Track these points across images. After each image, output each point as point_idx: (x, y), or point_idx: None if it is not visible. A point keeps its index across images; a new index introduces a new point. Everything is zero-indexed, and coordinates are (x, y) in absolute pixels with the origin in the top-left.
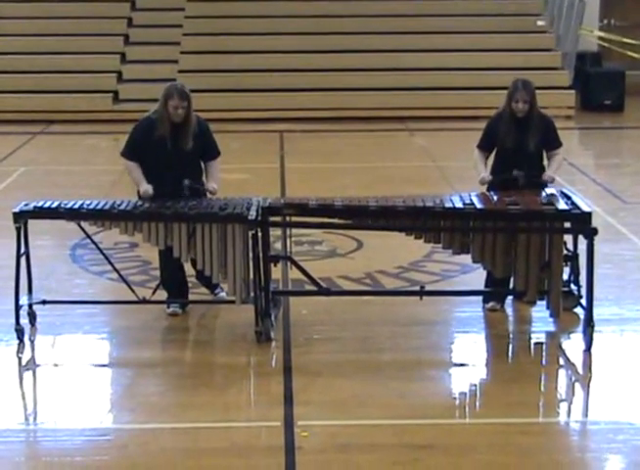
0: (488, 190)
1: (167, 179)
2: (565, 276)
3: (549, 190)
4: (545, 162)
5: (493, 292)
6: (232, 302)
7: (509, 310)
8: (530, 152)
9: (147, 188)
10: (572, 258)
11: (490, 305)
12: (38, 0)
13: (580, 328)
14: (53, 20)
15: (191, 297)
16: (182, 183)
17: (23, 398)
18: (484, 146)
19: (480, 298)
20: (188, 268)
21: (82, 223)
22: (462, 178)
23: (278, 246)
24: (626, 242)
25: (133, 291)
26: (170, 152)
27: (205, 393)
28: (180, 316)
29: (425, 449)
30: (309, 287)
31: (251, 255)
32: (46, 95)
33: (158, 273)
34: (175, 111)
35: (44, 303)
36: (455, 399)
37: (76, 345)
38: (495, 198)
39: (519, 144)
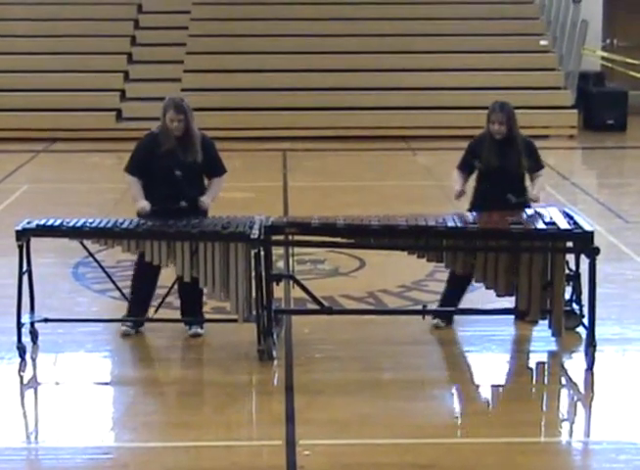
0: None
1: (170, 194)
2: (567, 296)
3: (533, 209)
4: (527, 183)
5: (495, 311)
6: (234, 320)
7: (511, 330)
8: (513, 174)
9: (144, 205)
10: (575, 277)
11: (436, 321)
12: (42, 19)
13: (582, 348)
14: (56, 38)
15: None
16: (184, 197)
17: (25, 416)
18: (464, 168)
19: (485, 317)
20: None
21: (85, 241)
22: (464, 198)
23: (280, 264)
24: (629, 261)
25: (145, 311)
26: (174, 166)
27: (206, 411)
28: (182, 335)
29: (427, 469)
30: (312, 306)
31: (253, 273)
32: (49, 113)
33: (161, 292)
34: (172, 124)
35: (46, 321)
36: (457, 418)
37: (78, 363)
38: (497, 217)
39: (501, 166)
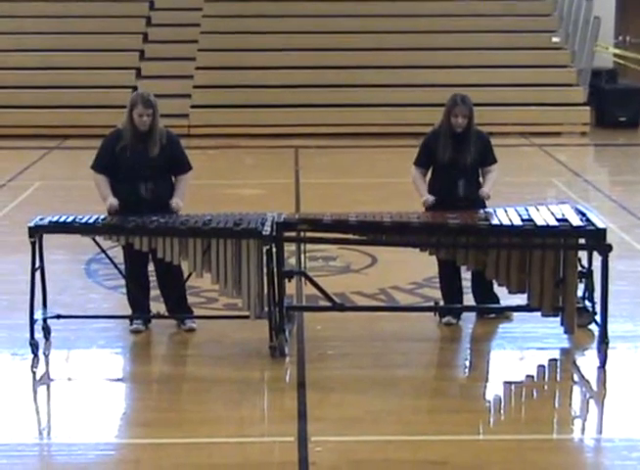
0: (429, 210)
1: (136, 190)
2: (579, 293)
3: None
4: (481, 179)
5: (509, 308)
6: (246, 317)
7: (523, 327)
8: (467, 168)
9: (112, 201)
10: (587, 274)
11: (446, 319)
12: (54, 16)
13: (595, 345)
14: (69, 35)
15: (204, 312)
16: (146, 191)
17: (38, 412)
18: (422, 163)
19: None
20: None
21: (97, 238)
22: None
23: (292, 261)
24: None
25: (148, 306)
26: (136, 161)
27: (218, 408)
28: (194, 332)
29: (439, 466)
30: (323, 302)
31: (265, 270)
32: (62, 110)
33: None
34: (140, 119)
35: (58, 317)
36: (469, 415)
37: (90, 359)
38: (507, 213)
39: (456, 160)
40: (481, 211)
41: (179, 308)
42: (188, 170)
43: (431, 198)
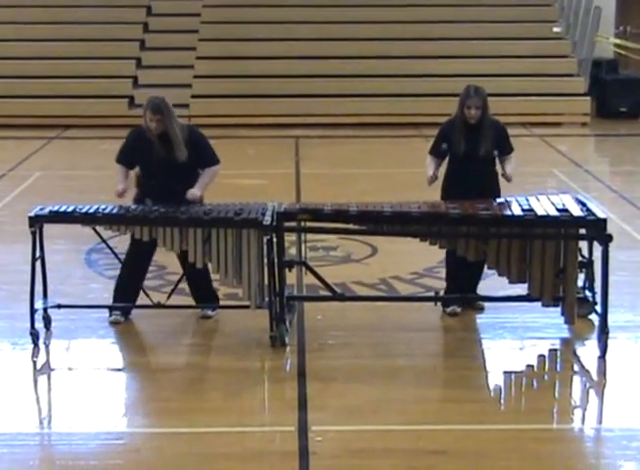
0: (445, 197)
1: (157, 187)
2: (580, 283)
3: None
4: (498, 168)
5: (510, 298)
6: (247, 307)
7: (523, 317)
8: (482, 158)
9: (117, 188)
10: (588, 264)
11: (450, 308)
12: (55, 6)
13: (595, 335)
14: (69, 25)
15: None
16: (171, 192)
17: (38, 401)
18: (437, 152)
19: (498, 304)
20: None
21: (97, 228)
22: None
23: (293, 251)
24: None
25: (148, 295)
26: (157, 161)
27: (219, 397)
28: (194, 321)
29: (439, 455)
30: (324, 292)
31: (265, 260)
32: (62, 100)
33: (172, 278)
34: (150, 123)
35: (59, 307)
36: (469, 404)
37: (91, 349)
38: (508, 203)
39: (471, 150)
40: (482, 201)
41: (207, 301)
42: (213, 164)
43: (432, 174)
